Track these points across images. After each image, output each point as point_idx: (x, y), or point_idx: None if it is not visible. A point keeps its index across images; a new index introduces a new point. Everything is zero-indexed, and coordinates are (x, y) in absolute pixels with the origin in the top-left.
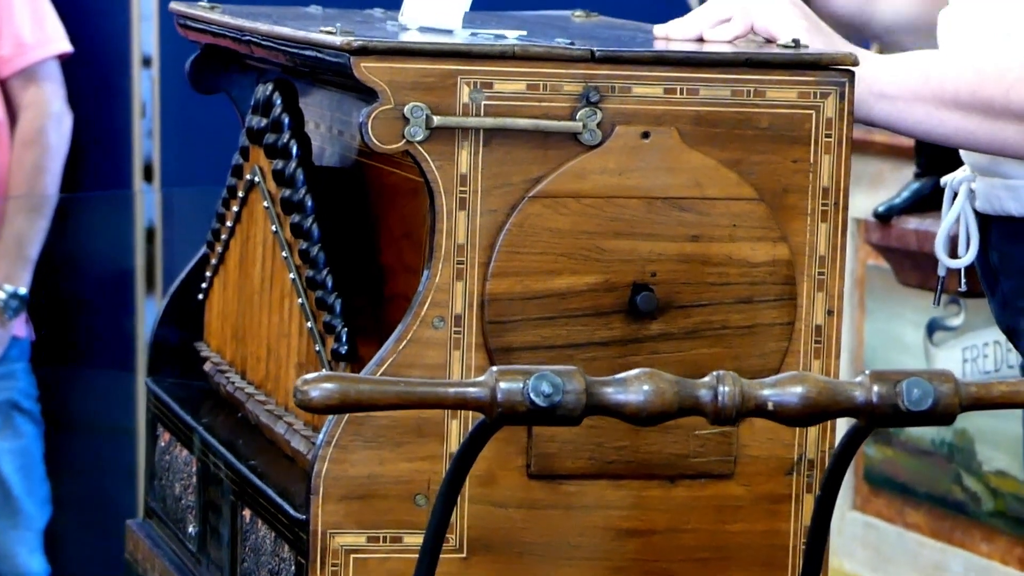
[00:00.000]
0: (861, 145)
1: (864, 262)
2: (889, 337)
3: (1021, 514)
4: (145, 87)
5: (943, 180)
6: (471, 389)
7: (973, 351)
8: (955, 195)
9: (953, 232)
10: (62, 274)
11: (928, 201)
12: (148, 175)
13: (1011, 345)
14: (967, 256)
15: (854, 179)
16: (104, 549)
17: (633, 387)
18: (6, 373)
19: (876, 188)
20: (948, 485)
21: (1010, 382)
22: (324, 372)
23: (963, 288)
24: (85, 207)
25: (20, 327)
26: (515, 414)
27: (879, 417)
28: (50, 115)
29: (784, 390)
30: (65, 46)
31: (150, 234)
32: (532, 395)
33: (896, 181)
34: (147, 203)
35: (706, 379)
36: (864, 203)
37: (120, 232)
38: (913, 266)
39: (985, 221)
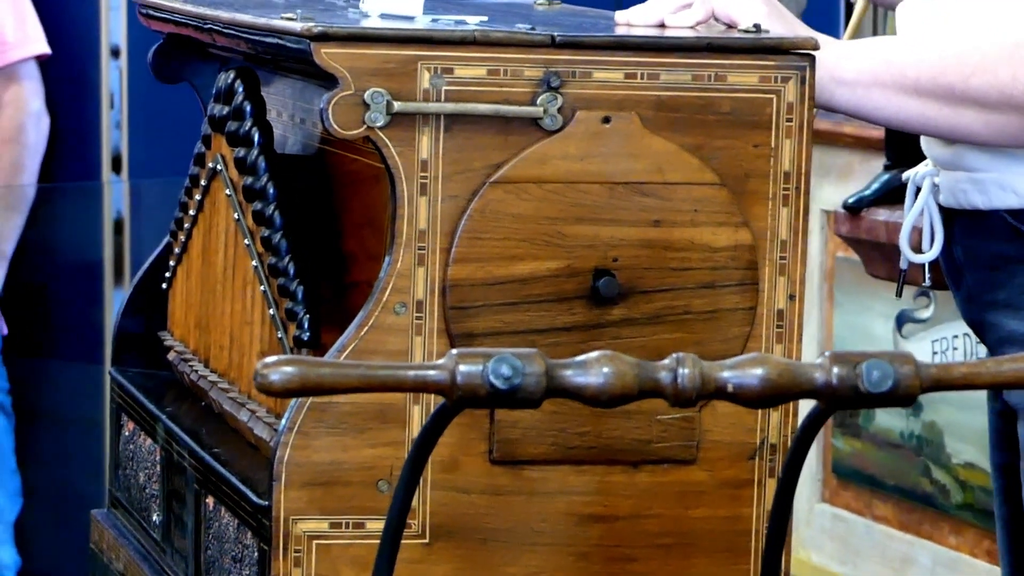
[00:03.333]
0: (830, 137)
1: (833, 254)
2: (858, 329)
3: (989, 507)
4: (113, 78)
5: (905, 174)
6: (431, 372)
7: (943, 343)
8: (918, 189)
9: (917, 226)
10: (31, 265)
11: (897, 193)
12: (116, 166)
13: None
14: (932, 251)
15: (823, 171)
16: (71, 540)
17: (593, 369)
18: None
19: (845, 180)
20: (916, 478)
21: (970, 363)
22: (284, 356)
23: (927, 282)
24: (54, 198)
25: None
26: (475, 397)
27: (839, 399)
28: (29, 113)
29: (744, 372)
30: (44, 47)
31: (118, 225)
32: (492, 378)
33: (865, 173)
34: (115, 194)
35: (666, 361)
36: (833, 195)
37: (88, 223)
38: (882, 258)
39: (949, 215)
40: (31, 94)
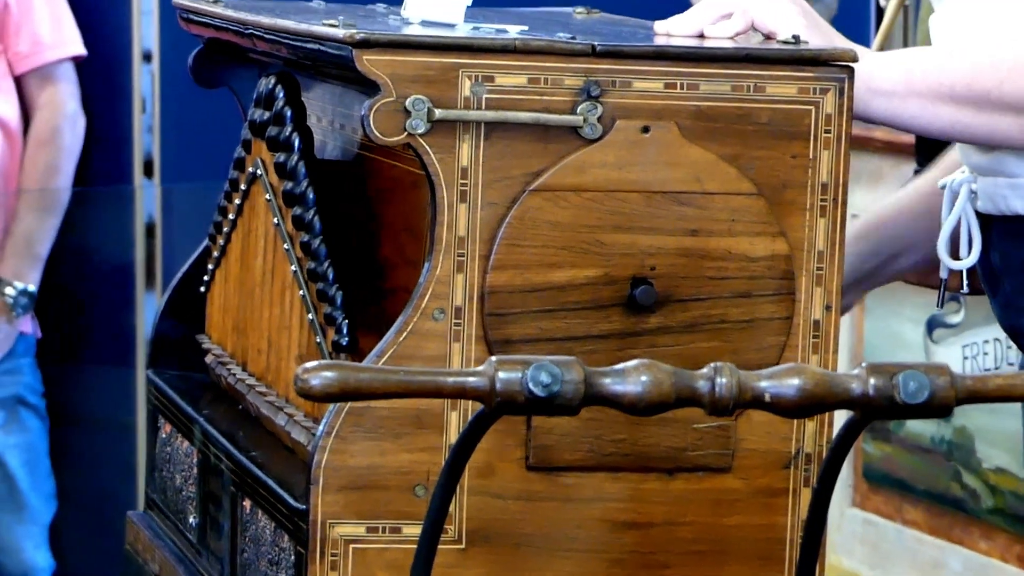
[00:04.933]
0: (861, 142)
1: None
2: (889, 334)
3: (1020, 511)
4: (145, 82)
5: (941, 181)
6: (470, 378)
7: (973, 349)
8: (955, 196)
9: (955, 233)
10: (63, 269)
11: None
12: (148, 170)
13: (1012, 343)
14: (970, 257)
15: (854, 176)
16: (105, 543)
17: (631, 377)
18: (12, 368)
19: (876, 185)
20: (947, 482)
21: (1006, 375)
22: (325, 361)
23: (966, 289)
24: (86, 202)
25: (26, 323)
26: (514, 403)
27: (875, 409)
28: (65, 115)
29: (781, 382)
30: (80, 49)
31: (150, 229)
32: (531, 385)
33: (896, 178)
34: (147, 198)
35: (704, 370)
36: (864, 200)
37: (120, 227)
38: None
39: (986, 221)
40: (67, 96)
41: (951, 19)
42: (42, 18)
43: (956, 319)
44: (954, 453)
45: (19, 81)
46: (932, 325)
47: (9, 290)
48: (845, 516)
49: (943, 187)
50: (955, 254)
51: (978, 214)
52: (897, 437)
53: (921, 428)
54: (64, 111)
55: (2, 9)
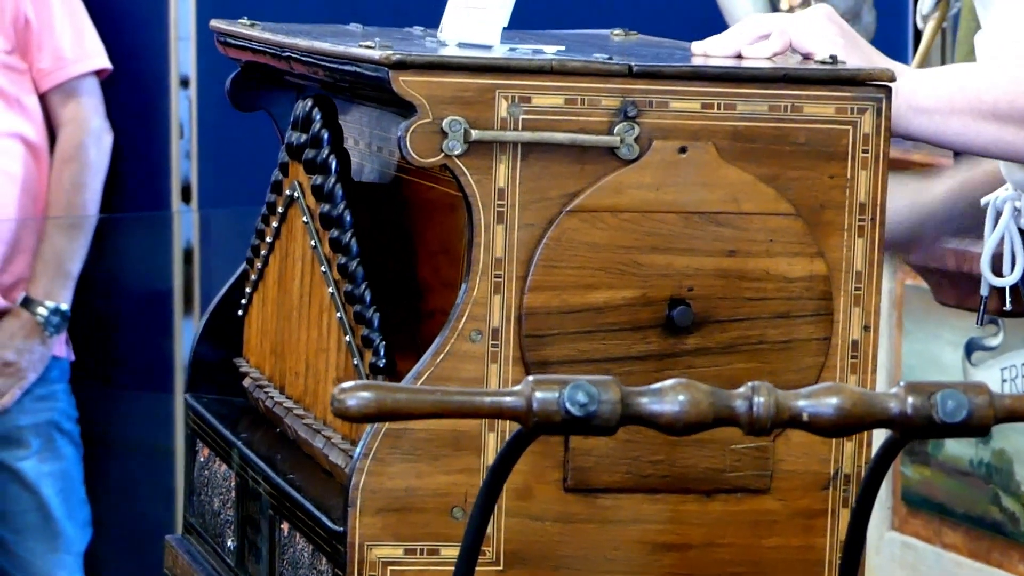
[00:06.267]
0: (899, 165)
1: (902, 282)
2: (927, 357)
3: None
4: (183, 108)
5: (984, 199)
6: (507, 398)
7: (1012, 371)
8: (998, 214)
9: (997, 251)
10: (100, 294)
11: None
12: (186, 196)
13: None
14: (1014, 274)
15: None
16: (141, 570)
17: (668, 397)
18: (47, 394)
19: None
20: (986, 505)
21: None
22: (361, 381)
23: (1008, 307)
24: (123, 228)
25: (60, 347)
26: (551, 423)
27: (913, 429)
28: (89, 131)
29: (819, 401)
30: (104, 62)
31: (188, 255)
32: (568, 404)
33: None
34: (185, 224)
35: (741, 389)
36: None
37: (158, 253)
38: (951, 286)
39: None
40: (91, 111)
41: (997, 36)
42: (63, 32)
43: (994, 342)
44: (993, 476)
45: (43, 98)
46: (970, 348)
47: (41, 310)
48: (884, 539)
49: (986, 204)
50: (998, 272)
51: (1022, 232)
52: (936, 460)
53: (960, 451)
54: (88, 127)
55: (23, 26)
